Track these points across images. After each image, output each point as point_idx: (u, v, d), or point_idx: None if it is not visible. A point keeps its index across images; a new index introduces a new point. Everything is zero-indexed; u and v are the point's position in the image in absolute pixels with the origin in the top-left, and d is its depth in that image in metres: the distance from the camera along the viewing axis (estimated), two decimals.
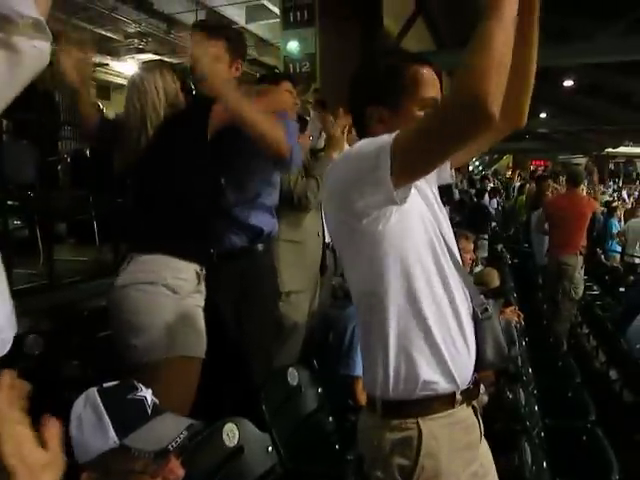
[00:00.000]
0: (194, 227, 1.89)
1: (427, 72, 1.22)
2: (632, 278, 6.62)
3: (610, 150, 21.31)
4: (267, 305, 2.24)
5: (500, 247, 6.91)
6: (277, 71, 5.44)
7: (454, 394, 1.19)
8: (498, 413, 2.76)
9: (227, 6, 8.09)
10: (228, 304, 2.11)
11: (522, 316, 3.16)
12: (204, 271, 1.92)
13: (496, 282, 4.14)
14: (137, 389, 1.11)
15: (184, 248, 1.84)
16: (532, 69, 1.34)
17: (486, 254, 6.26)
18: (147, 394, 1.10)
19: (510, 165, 22.41)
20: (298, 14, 6.57)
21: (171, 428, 1.04)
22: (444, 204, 1.35)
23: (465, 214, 8.00)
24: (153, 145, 1.87)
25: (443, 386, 1.17)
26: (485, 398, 2.77)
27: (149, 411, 1.07)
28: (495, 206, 10.48)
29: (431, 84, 1.22)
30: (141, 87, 1.89)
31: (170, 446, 1.01)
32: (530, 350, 3.93)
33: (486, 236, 7.09)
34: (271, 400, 1.91)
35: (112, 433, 1.02)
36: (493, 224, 8.79)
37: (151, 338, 1.72)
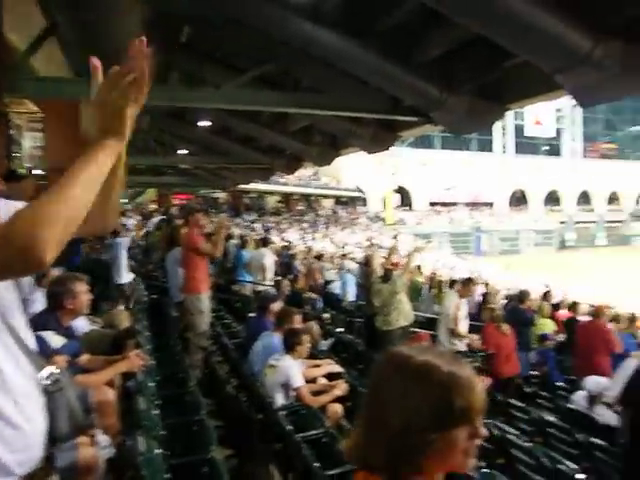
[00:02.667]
0: None
1: None
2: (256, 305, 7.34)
3: (244, 186, 23.60)
4: None
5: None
6: None
7: None
8: (125, 464, 2.69)
9: None
10: None
11: (147, 358, 3.17)
12: None
13: (126, 323, 4.08)
14: None
15: None
16: (116, 193, 1.31)
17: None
18: None
19: (154, 198, 22.78)
20: None
21: None
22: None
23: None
24: None
25: None
26: (110, 451, 2.66)
27: None
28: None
29: None
30: None
31: None
32: (162, 388, 3.97)
33: None
34: None
35: None
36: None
37: None
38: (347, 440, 1.11)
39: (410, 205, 46.18)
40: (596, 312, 7.22)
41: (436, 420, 1.00)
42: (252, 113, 10.90)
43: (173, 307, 6.30)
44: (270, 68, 7.68)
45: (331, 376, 4.87)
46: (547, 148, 56.75)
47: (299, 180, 34.66)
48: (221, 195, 26.31)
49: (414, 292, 8.67)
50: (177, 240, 6.49)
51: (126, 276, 7.23)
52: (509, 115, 44.94)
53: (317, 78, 7.74)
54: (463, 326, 6.89)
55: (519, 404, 5.63)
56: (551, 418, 5.11)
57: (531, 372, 7.33)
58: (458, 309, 6.87)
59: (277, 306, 5.50)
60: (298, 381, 4.20)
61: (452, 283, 8.16)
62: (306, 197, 39.38)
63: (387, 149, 9.15)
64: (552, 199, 55.10)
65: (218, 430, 3.72)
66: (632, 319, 10.03)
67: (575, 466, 3.79)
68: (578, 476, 3.65)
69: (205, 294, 5.59)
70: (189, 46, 8.38)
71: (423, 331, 7.64)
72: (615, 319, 8.79)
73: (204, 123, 12.45)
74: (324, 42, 5.78)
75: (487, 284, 14.50)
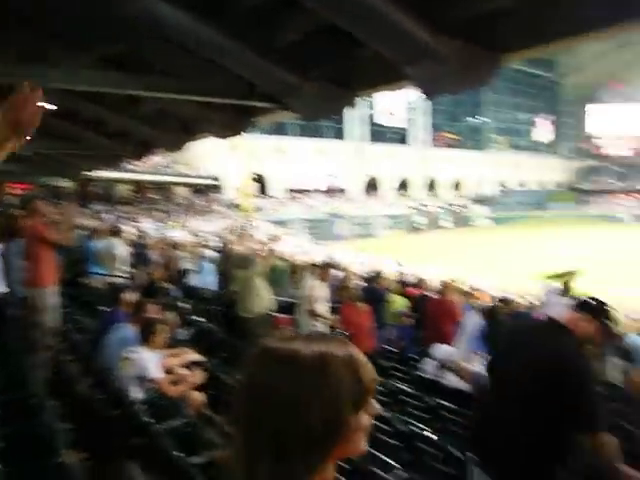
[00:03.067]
0: None
1: None
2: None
3: (92, 174, 22.12)
4: None
5: None
6: None
7: None
8: None
9: None
10: None
11: None
12: None
13: None
14: None
15: None
16: None
17: None
18: None
19: None
20: None
21: None
22: None
23: None
24: None
25: None
26: None
27: None
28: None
29: None
30: None
31: None
32: (0, 394, 3.61)
33: None
34: None
35: None
36: None
37: None
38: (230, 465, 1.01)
39: (266, 192, 46.47)
40: (442, 287, 7.83)
41: (353, 403, 1.00)
42: (98, 95, 10.21)
43: (15, 304, 5.73)
44: (119, 48, 7.22)
45: (192, 365, 4.75)
46: (398, 137, 60.08)
47: (153, 168, 33.31)
48: (67, 184, 24.50)
49: (274, 277, 8.74)
50: (17, 231, 5.90)
51: None
52: (363, 104, 46.83)
53: (169, 61, 7.41)
54: (321, 307, 7.07)
55: (377, 378, 5.90)
56: (404, 387, 5.43)
57: (389, 347, 7.73)
58: (315, 291, 7.03)
59: (131, 297, 5.24)
60: (155, 372, 4.05)
61: (310, 267, 8.33)
62: (161, 185, 37.97)
63: (240, 134, 9.06)
64: (403, 185, 58.62)
65: (71, 433, 3.46)
66: (471, 291, 11.04)
67: (427, 428, 4.09)
68: (428, 435, 3.94)
69: (52, 288, 5.15)
70: (24, 19, 7.62)
71: (283, 315, 7.73)
72: (459, 292, 9.56)
73: (46, 106, 11.49)
74: (174, 22, 5.53)
75: (343, 267, 15.04)
